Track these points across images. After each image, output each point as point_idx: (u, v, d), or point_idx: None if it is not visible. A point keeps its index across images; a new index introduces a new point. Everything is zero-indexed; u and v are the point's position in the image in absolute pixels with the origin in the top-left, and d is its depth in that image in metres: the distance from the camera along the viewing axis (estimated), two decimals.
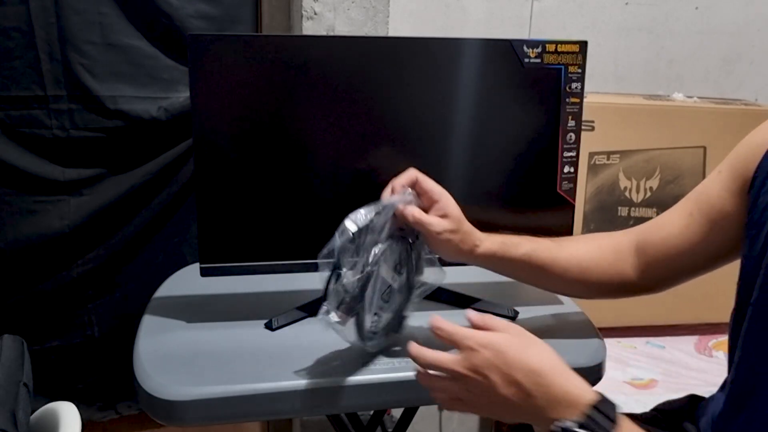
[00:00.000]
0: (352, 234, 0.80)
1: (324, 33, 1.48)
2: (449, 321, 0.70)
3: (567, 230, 1.08)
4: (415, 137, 1.02)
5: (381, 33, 1.51)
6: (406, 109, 1.01)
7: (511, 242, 0.91)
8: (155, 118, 1.49)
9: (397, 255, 0.85)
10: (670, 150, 1.57)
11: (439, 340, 0.69)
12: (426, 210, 0.87)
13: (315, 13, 1.48)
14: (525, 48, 1.01)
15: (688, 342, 1.63)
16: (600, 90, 1.69)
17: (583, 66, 1.03)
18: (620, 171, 1.57)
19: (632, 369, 1.51)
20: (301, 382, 0.85)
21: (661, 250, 0.88)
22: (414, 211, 0.84)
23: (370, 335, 0.86)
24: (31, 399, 0.86)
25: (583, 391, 0.64)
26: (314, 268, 1.01)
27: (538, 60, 1.01)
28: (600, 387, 0.95)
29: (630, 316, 1.58)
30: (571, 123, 1.05)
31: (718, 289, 0.82)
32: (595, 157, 1.55)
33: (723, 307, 0.80)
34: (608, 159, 1.56)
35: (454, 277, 1.04)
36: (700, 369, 1.51)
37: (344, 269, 0.80)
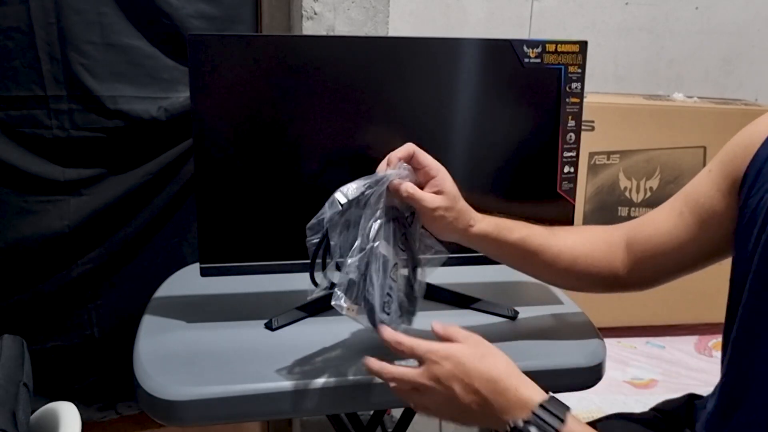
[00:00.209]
0: (341, 205, 0.78)
1: (324, 33, 1.48)
2: (445, 321, 0.75)
3: None
4: (416, 137, 1.02)
5: (381, 33, 1.51)
6: (406, 109, 1.01)
7: (505, 225, 0.89)
8: (155, 118, 1.49)
9: (392, 231, 0.82)
10: (670, 150, 1.57)
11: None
12: (422, 185, 0.85)
13: (315, 13, 1.48)
14: (525, 48, 1.01)
15: (688, 342, 1.63)
16: (600, 90, 1.69)
17: (583, 66, 1.03)
18: (620, 171, 1.57)
19: (632, 369, 1.51)
20: (301, 382, 0.85)
21: (649, 248, 0.88)
22: (408, 186, 0.82)
23: (384, 317, 0.82)
24: (31, 399, 0.86)
25: (533, 394, 0.69)
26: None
27: (538, 60, 1.01)
28: (600, 387, 0.96)
29: (630, 316, 1.58)
30: (571, 123, 1.05)
31: (718, 289, 0.82)
32: (595, 157, 1.55)
33: (723, 307, 0.80)
34: (608, 159, 1.56)
35: (454, 277, 1.04)
36: (700, 369, 1.51)
37: (332, 242, 0.79)
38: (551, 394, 0.70)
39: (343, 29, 1.49)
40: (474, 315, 1.04)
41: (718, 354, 0.83)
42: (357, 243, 0.78)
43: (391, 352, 0.76)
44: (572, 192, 1.07)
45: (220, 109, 0.96)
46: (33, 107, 1.44)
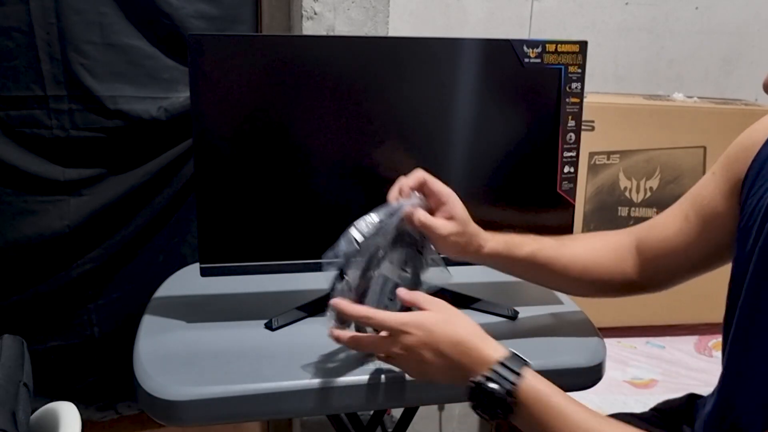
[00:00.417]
0: (358, 243, 0.80)
1: (324, 33, 1.48)
2: None
3: (567, 230, 1.08)
4: (416, 137, 1.02)
5: (381, 33, 1.51)
6: (406, 109, 1.01)
7: (514, 242, 0.91)
8: (155, 118, 1.49)
9: (403, 255, 0.85)
10: (670, 150, 1.57)
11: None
12: (433, 212, 0.87)
13: (315, 13, 1.48)
14: (525, 48, 1.01)
15: (688, 342, 1.63)
16: (600, 90, 1.69)
17: (583, 66, 1.03)
18: (620, 171, 1.57)
19: (632, 369, 1.51)
20: (301, 382, 0.85)
21: (658, 250, 0.89)
22: (420, 215, 0.84)
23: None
24: (31, 399, 0.86)
25: (494, 351, 0.73)
26: (314, 268, 1.01)
27: (538, 60, 1.01)
28: (600, 387, 0.96)
29: (630, 316, 1.58)
30: (571, 123, 1.05)
31: (718, 289, 0.82)
32: (595, 157, 1.55)
33: (723, 307, 0.80)
34: (608, 159, 1.56)
35: (454, 277, 1.04)
36: (699, 369, 1.51)
37: (348, 276, 0.81)
38: (513, 351, 0.74)
39: (343, 29, 1.49)
40: (474, 315, 1.04)
41: (718, 354, 0.84)
42: (361, 264, 0.81)
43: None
44: (572, 192, 1.07)
45: (220, 109, 0.96)
46: (33, 107, 1.44)
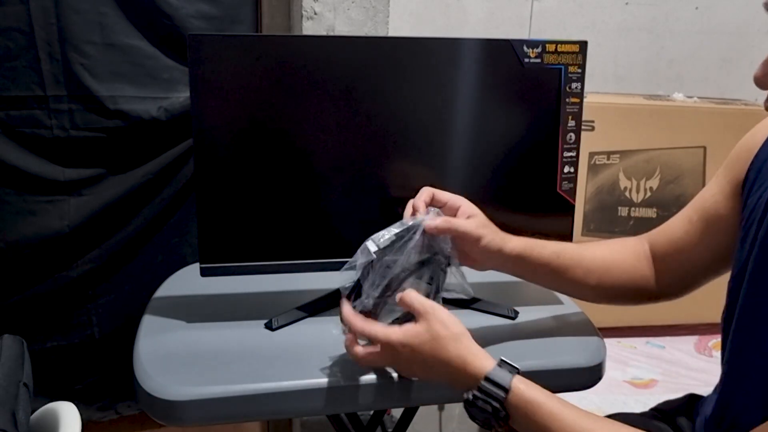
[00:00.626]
0: (373, 254, 0.81)
1: (324, 33, 1.48)
2: None
3: (567, 230, 1.08)
4: (415, 137, 1.02)
5: (381, 33, 1.51)
6: (405, 109, 1.01)
7: (535, 243, 0.91)
8: (155, 118, 1.49)
9: (429, 272, 0.85)
10: (670, 150, 1.57)
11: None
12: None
13: (315, 13, 1.48)
14: (525, 48, 1.01)
15: (688, 342, 1.63)
16: (600, 90, 1.69)
17: (583, 66, 1.03)
18: (620, 171, 1.57)
19: (632, 369, 1.51)
20: (300, 382, 0.85)
21: (666, 254, 0.91)
22: (443, 220, 0.84)
23: None
24: (31, 399, 0.86)
25: (480, 369, 0.73)
26: (314, 268, 1.01)
27: (538, 60, 1.01)
28: (600, 387, 0.96)
29: (630, 316, 1.57)
30: (571, 123, 1.05)
31: (718, 289, 0.83)
32: (595, 157, 1.55)
33: (722, 307, 0.80)
34: (608, 159, 1.56)
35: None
36: (700, 369, 1.51)
37: (365, 289, 0.82)
38: (500, 359, 0.74)
39: (343, 29, 1.49)
40: (474, 315, 1.04)
41: (718, 354, 0.84)
42: (385, 282, 0.81)
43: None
44: (572, 192, 1.07)
45: (220, 109, 0.96)
46: (33, 107, 1.44)
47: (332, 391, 0.85)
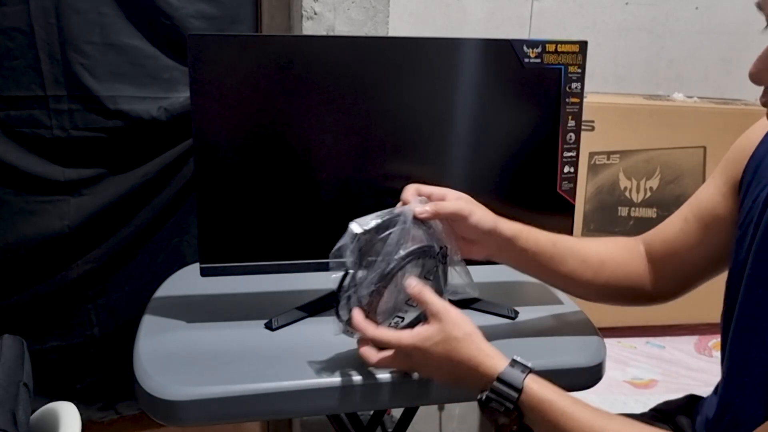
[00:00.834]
0: (356, 234, 0.80)
1: (324, 33, 1.48)
2: None
3: (567, 230, 1.08)
4: (415, 137, 1.02)
5: (381, 33, 1.51)
6: (405, 109, 1.01)
7: (531, 228, 0.90)
8: (155, 118, 1.49)
9: (427, 266, 0.84)
10: (670, 150, 1.57)
11: None
12: None
13: (315, 13, 1.48)
14: (525, 48, 1.01)
15: (688, 342, 1.63)
16: (600, 90, 1.69)
17: (583, 66, 1.03)
18: (620, 171, 1.57)
19: (632, 369, 1.51)
20: (301, 382, 0.85)
21: (664, 254, 0.90)
22: (430, 204, 0.83)
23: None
24: (31, 399, 0.86)
25: (493, 369, 0.74)
26: (314, 267, 1.01)
27: (538, 60, 1.01)
28: (600, 387, 0.96)
29: (630, 316, 1.58)
30: (571, 123, 1.05)
31: (717, 289, 0.83)
32: (595, 157, 1.55)
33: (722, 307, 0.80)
34: (608, 159, 1.56)
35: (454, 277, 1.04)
36: (700, 369, 1.51)
37: (354, 271, 0.81)
38: (513, 359, 0.74)
39: (343, 29, 1.49)
40: (474, 315, 1.03)
41: (718, 354, 0.84)
42: (379, 270, 0.80)
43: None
44: (572, 192, 1.07)
45: (220, 109, 0.96)
46: (33, 107, 1.44)
47: (332, 391, 0.85)
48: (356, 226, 0.80)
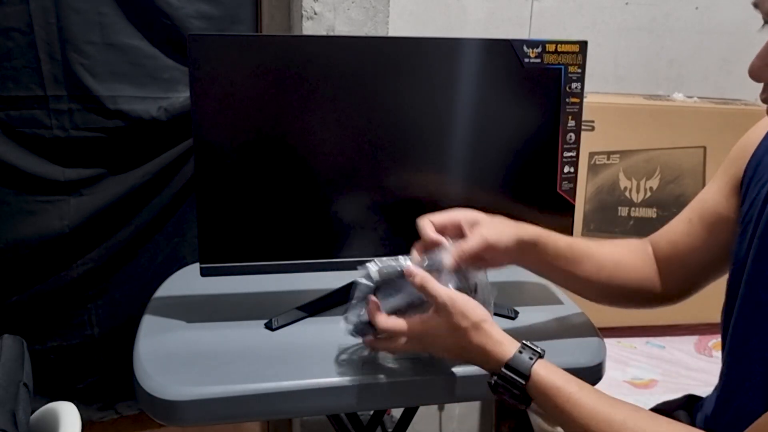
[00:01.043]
0: (373, 284, 0.82)
1: (324, 33, 1.48)
2: None
3: (567, 230, 1.08)
4: (415, 137, 1.02)
5: (381, 33, 1.51)
6: (405, 110, 1.01)
7: (549, 232, 0.90)
8: (155, 118, 1.49)
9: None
10: (670, 150, 1.57)
11: None
12: (462, 235, 0.86)
13: (315, 13, 1.48)
14: (525, 48, 1.01)
15: (688, 342, 1.63)
16: (600, 90, 1.69)
17: (583, 66, 1.03)
18: (620, 171, 1.57)
19: (632, 369, 1.51)
20: (301, 382, 0.85)
21: (667, 254, 0.91)
22: (454, 253, 0.83)
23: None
24: (31, 399, 0.86)
25: (500, 353, 0.75)
26: (314, 267, 1.01)
27: (538, 60, 1.01)
28: (600, 387, 0.95)
29: (630, 316, 1.57)
30: (571, 123, 1.05)
31: (717, 289, 0.83)
32: (595, 157, 1.55)
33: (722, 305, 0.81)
34: (608, 159, 1.56)
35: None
36: (699, 369, 1.51)
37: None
38: (522, 343, 0.76)
39: (343, 29, 1.49)
40: None
41: (718, 354, 0.84)
42: (407, 300, 0.82)
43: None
44: (572, 192, 1.07)
45: (220, 109, 0.96)
46: (33, 107, 1.44)
47: (332, 391, 0.85)
48: (374, 271, 0.82)
